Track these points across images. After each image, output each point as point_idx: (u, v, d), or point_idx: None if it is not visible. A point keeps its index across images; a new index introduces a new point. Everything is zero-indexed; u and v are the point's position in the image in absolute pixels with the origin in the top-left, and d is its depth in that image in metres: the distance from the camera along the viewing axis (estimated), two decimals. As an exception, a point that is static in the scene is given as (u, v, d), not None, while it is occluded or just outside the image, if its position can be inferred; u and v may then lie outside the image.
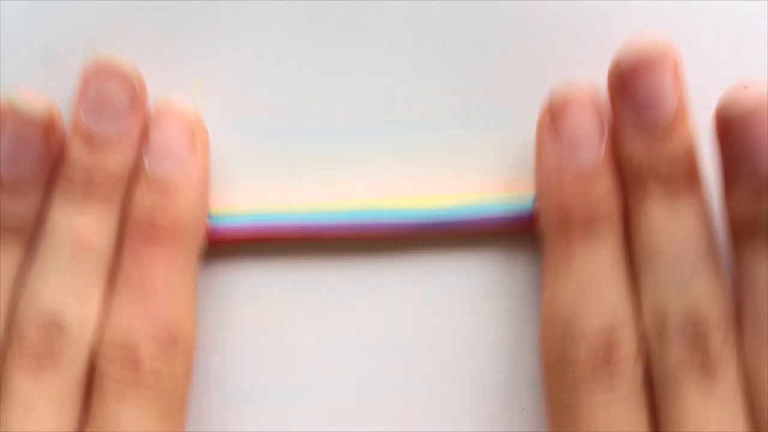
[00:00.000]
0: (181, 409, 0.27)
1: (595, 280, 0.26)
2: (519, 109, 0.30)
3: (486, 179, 0.30)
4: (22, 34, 0.30)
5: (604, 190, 0.27)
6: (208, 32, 0.30)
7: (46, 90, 0.30)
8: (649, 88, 0.26)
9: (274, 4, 0.30)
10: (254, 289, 0.29)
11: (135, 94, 0.28)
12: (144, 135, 0.28)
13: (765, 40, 0.29)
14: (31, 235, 0.28)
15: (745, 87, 0.26)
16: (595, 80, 0.28)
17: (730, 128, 0.26)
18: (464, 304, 0.29)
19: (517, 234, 0.29)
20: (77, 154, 0.27)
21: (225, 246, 0.29)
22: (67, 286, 0.27)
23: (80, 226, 0.27)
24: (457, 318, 0.29)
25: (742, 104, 0.26)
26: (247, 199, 0.30)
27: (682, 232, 0.26)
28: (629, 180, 0.27)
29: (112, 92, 0.27)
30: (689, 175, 0.27)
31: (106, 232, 0.27)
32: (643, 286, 0.27)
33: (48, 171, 0.28)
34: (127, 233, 0.27)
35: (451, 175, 0.30)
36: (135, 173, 0.28)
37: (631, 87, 0.26)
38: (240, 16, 0.30)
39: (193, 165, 0.28)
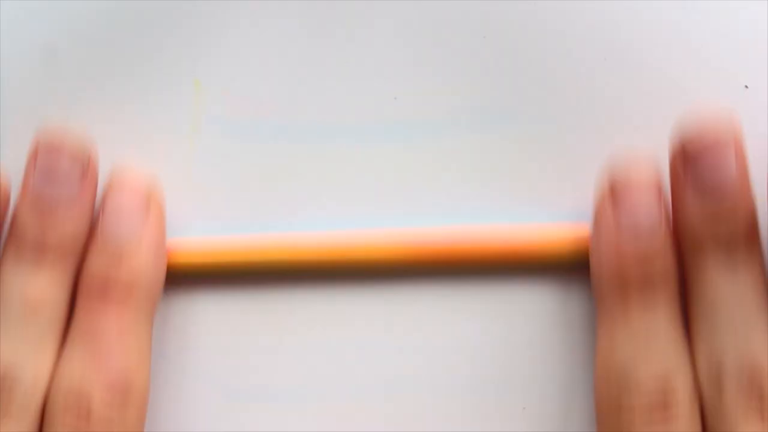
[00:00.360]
0: None
1: (651, 335, 0.27)
2: (519, 109, 0.30)
3: (486, 179, 0.30)
4: (22, 34, 0.30)
5: (662, 262, 0.27)
6: (208, 32, 0.30)
7: (46, 90, 0.30)
8: (715, 171, 0.27)
9: (274, 4, 0.30)
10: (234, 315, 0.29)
11: (85, 165, 0.28)
12: (99, 201, 0.28)
13: (765, 42, 0.29)
14: None
15: None
16: (602, 82, 0.28)
17: None
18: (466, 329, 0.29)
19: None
20: (27, 218, 0.28)
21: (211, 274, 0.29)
22: (20, 344, 0.27)
23: (32, 288, 0.27)
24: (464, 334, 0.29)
25: None
26: (244, 199, 0.30)
27: (740, 288, 0.27)
28: (687, 242, 0.27)
29: (62, 165, 0.28)
30: (748, 236, 0.27)
31: (59, 293, 0.28)
32: (699, 338, 0.27)
33: None
34: (80, 292, 0.28)
35: (451, 175, 0.30)
36: (89, 236, 0.28)
37: (695, 169, 0.27)
38: (240, 16, 0.30)
39: (146, 229, 0.28)
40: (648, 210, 0.27)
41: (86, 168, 0.28)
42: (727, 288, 0.27)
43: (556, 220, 0.29)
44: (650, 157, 0.28)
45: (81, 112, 0.30)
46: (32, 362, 0.27)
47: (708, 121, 0.27)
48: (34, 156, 0.28)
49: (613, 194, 0.28)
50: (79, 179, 0.28)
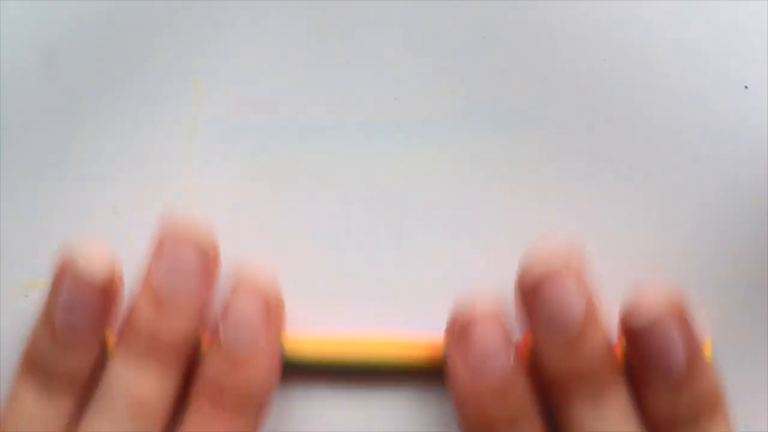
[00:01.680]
0: None
1: None
2: (519, 109, 0.30)
3: (486, 179, 0.30)
4: (22, 34, 0.30)
5: (519, 392, 0.27)
6: (208, 32, 0.30)
7: (46, 90, 0.30)
8: (555, 301, 0.26)
9: (274, 4, 0.30)
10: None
11: (208, 262, 0.28)
12: (220, 303, 0.28)
13: (765, 42, 0.30)
14: (83, 390, 0.28)
15: (644, 295, 0.26)
16: (601, 82, 0.28)
17: (637, 337, 0.27)
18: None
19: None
20: (143, 313, 0.27)
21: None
22: None
23: (140, 384, 0.27)
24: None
25: (644, 315, 0.26)
26: (243, 199, 0.30)
27: (608, 423, 0.27)
28: (552, 385, 0.27)
29: (186, 259, 0.27)
30: (609, 371, 0.27)
31: (165, 393, 0.27)
32: None
33: (102, 328, 0.27)
34: (194, 394, 0.27)
35: (451, 175, 0.30)
36: (210, 338, 0.28)
37: (537, 301, 0.26)
38: (240, 16, 0.30)
39: (266, 338, 0.27)
40: (492, 340, 0.27)
41: (209, 264, 0.28)
42: (595, 424, 0.27)
43: (559, 216, 0.29)
44: (492, 294, 0.27)
45: (81, 112, 0.30)
46: None
47: (545, 254, 0.26)
48: (159, 247, 0.27)
49: (457, 334, 0.27)
50: (200, 277, 0.27)
